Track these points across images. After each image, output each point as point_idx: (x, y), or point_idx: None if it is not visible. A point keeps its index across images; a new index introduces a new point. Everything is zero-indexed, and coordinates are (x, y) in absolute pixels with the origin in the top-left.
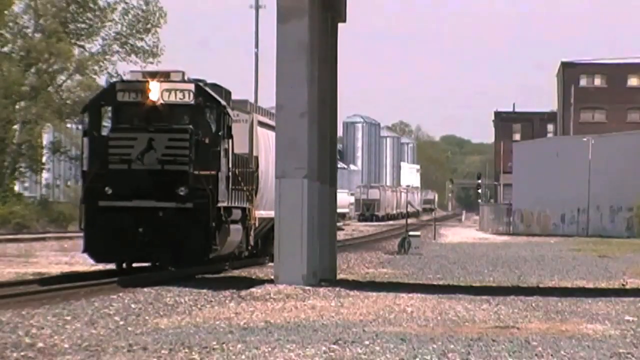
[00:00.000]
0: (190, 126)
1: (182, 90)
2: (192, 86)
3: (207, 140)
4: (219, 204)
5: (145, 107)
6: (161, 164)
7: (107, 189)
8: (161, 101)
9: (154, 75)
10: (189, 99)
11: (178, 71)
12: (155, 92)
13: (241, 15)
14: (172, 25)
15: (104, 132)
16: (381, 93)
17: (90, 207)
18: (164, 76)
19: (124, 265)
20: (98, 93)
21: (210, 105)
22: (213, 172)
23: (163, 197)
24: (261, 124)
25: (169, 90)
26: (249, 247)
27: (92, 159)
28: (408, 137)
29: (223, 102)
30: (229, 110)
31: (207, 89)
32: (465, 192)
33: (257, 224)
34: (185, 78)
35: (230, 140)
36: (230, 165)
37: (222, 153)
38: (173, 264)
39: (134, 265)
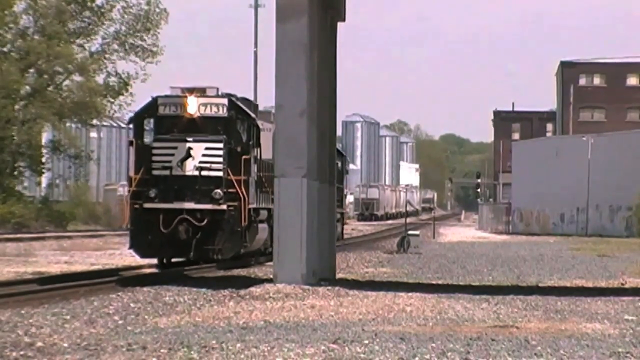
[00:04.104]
0: (224, 136)
1: (216, 104)
2: (225, 100)
3: (238, 149)
4: (249, 206)
5: (184, 119)
6: (198, 170)
7: (150, 192)
8: (198, 114)
9: (191, 90)
10: (223, 112)
11: (213, 87)
12: (193, 106)
13: (240, 14)
14: (171, 24)
15: (146, 142)
16: (380, 92)
17: (135, 209)
18: (201, 92)
19: (165, 260)
20: (142, 107)
21: (241, 118)
22: (244, 177)
23: (200, 200)
24: None
25: (205, 105)
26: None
27: (137, 165)
28: (407, 137)
29: (252, 115)
30: (257, 122)
31: (239, 102)
32: (465, 191)
33: None
34: (219, 93)
35: (258, 149)
36: (258, 171)
37: (252, 160)
38: (208, 259)
39: (173, 260)
